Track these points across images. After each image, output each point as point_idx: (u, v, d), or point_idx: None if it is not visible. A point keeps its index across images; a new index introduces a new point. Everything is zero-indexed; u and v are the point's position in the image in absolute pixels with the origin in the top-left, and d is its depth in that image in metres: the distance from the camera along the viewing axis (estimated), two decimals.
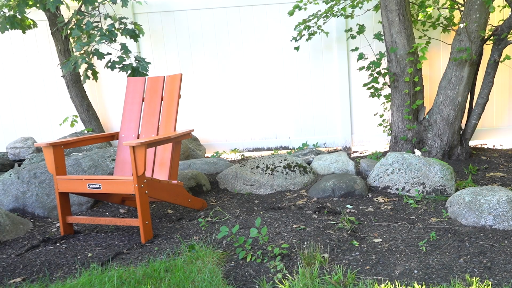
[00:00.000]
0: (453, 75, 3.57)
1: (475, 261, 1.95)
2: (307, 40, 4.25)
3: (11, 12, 3.89)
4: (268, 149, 4.73)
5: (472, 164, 3.57)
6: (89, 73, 3.89)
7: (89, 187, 2.46)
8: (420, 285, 1.78)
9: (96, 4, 3.87)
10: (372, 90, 4.46)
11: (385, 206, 2.77)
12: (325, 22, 4.26)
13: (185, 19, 4.58)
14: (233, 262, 2.11)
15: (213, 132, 4.79)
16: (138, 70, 3.77)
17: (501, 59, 3.61)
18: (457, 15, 4.15)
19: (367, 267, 1.97)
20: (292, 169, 3.38)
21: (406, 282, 1.81)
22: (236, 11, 4.53)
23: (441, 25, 4.20)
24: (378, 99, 4.61)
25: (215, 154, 4.62)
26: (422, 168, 2.91)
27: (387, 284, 1.81)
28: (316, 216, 2.66)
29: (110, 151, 3.41)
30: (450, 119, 3.62)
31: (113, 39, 3.68)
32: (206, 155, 4.63)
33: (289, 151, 4.60)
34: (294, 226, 2.52)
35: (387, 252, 2.11)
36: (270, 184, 3.28)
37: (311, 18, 4.14)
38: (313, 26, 4.22)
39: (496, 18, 4.23)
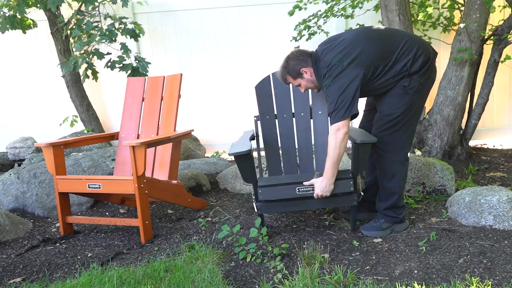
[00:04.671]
0: (453, 75, 3.57)
1: (475, 261, 1.95)
2: (307, 40, 4.25)
3: (11, 12, 3.89)
4: None
5: (472, 164, 3.57)
6: (89, 72, 3.89)
7: (89, 187, 2.46)
8: (420, 285, 1.77)
9: (96, 4, 3.86)
10: None
11: None
12: (325, 22, 4.26)
13: (185, 19, 4.58)
14: (233, 262, 2.11)
15: (213, 132, 4.79)
16: (138, 70, 3.77)
17: (501, 59, 3.60)
18: (457, 15, 4.14)
19: (367, 267, 1.97)
20: None
21: (406, 282, 1.81)
22: (236, 11, 4.53)
23: (441, 25, 4.19)
24: None
25: (215, 154, 4.62)
26: (422, 168, 2.91)
27: (387, 284, 1.80)
28: (316, 216, 2.66)
29: (110, 151, 3.40)
30: (450, 119, 3.61)
31: (113, 39, 3.68)
32: (206, 155, 4.63)
33: None
34: (294, 226, 2.52)
35: (387, 252, 2.11)
36: None
37: (311, 18, 4.14)
38: (313, 26, 4.22)
39: (496, 18, 4.22)
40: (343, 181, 2.15)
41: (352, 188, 2.14)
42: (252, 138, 2.64)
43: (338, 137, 2.07)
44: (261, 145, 2.70)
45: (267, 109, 2.65)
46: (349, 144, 2.39)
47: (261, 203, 2.21)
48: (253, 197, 2.34)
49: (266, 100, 2.64)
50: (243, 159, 2.19)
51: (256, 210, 2.25)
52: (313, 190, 2.16)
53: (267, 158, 2.65)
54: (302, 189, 2.16)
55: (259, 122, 2.67)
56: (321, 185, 2.15)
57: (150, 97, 3.05)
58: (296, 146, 2.65)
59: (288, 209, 2.21)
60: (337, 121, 2.07)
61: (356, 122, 3.05)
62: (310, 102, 2.63)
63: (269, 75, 2.63)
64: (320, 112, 2.61)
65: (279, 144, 2.66)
